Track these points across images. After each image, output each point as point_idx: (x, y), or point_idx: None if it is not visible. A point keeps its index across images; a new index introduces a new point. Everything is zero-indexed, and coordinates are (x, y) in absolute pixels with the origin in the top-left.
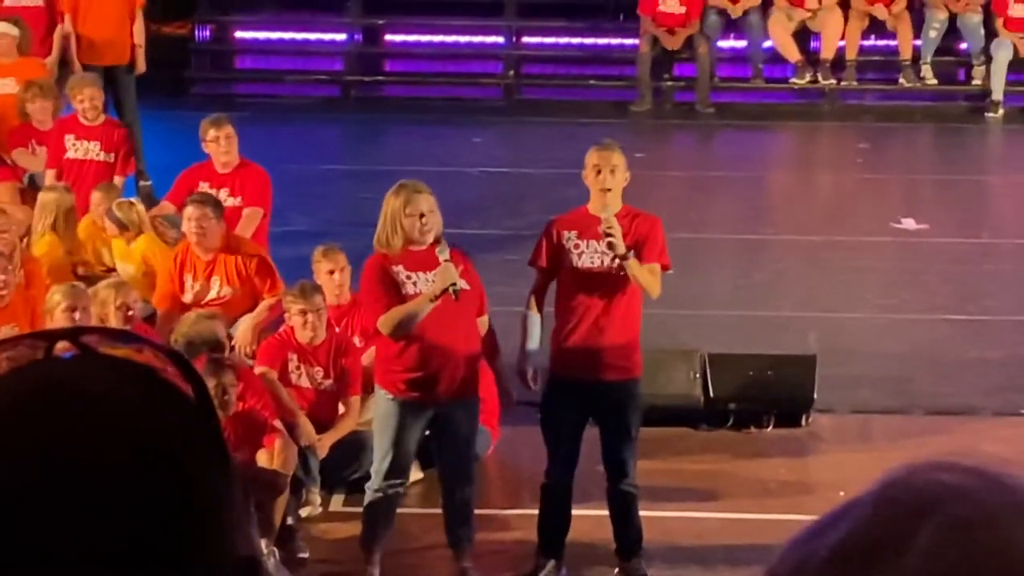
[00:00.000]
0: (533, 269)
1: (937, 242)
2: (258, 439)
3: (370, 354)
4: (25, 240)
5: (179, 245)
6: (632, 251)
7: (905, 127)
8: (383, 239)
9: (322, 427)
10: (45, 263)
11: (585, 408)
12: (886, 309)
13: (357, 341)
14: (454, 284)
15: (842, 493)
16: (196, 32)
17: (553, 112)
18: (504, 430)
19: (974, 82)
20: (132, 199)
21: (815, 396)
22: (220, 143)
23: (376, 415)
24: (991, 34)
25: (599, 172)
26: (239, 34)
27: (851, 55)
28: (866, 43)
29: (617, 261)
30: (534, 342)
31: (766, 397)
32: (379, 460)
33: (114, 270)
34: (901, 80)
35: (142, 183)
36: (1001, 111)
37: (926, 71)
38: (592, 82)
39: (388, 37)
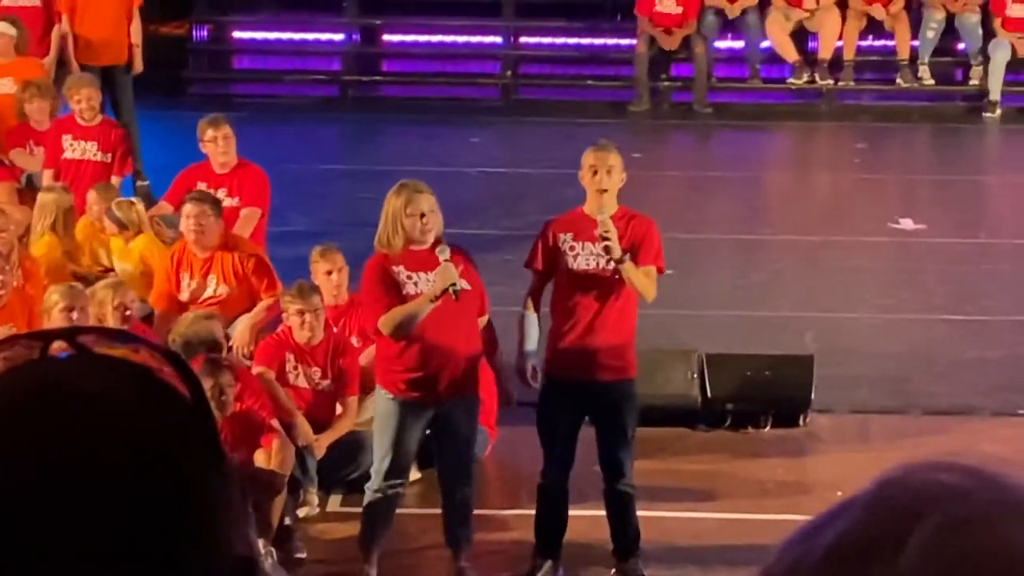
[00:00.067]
0: (529, 270)
1: (935, 242)
2: (256, 439)
3: (368, 354)
4: (23, 240)
5: (176, 244)
6: (628, 254)
7: (903, 127)
8: (384, 239)
9: (320, 427)
10: (44, 263)
11: (581, 409)
12: (884, 309)
13: (355, 341)
14: (454, 284)
15: (840, 493)
16: (194, 32)
17: (551, 112)
18: (502, 430)
19: (972, 82)
20: (132, 199)
21: (813, 396)
22: (218, 143)
23: (376, 415)
24: (989, 34)
25: (595, 173)
26: (237, 34)
27: (849, 55)
28: (863, 43)
29: (612, 264)
30: (532, 343)
31: (764, 397)
32: (379, 460)
33: (111, 270)
34: (899, 80)
35: (139, 183)
36: (999, 111)
37: (924, 71)
38: (590, 82)
39: (386, 37)
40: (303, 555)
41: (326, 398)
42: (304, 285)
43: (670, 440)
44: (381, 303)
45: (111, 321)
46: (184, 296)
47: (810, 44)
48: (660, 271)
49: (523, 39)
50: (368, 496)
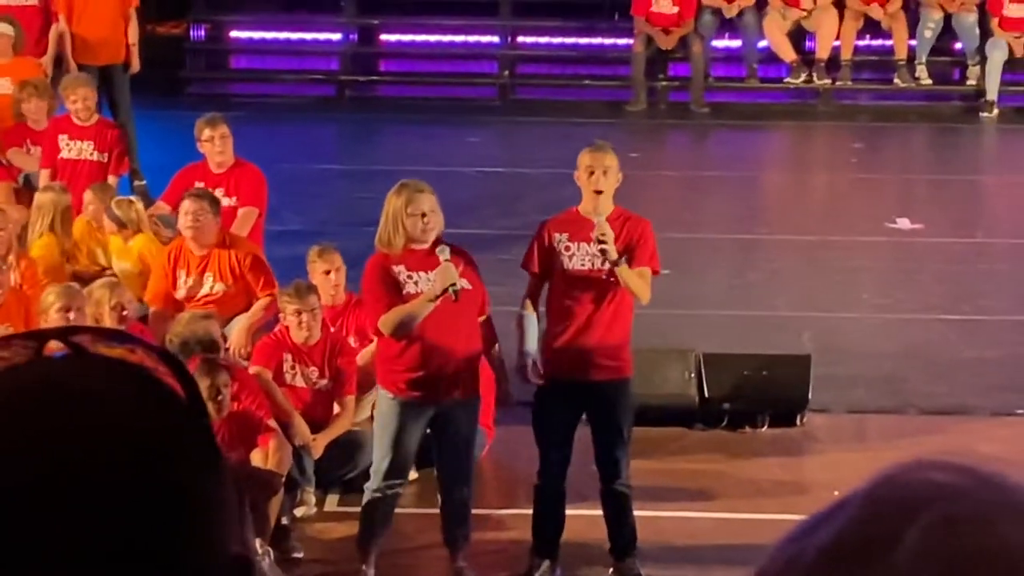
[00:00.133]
0: (526, 271)
1: (932, 242)
2: (253, 439)
3: (365, 354)
4: (20, 239)
5: (173, 242)
6: (624, 257)
7: (900, 127)
8: (384, 238)
9: (317, 427)
10: (42, 263)
11: (577, 408)
12: (881, 309)
13: (352, 341)
14: (454, 284)
15: (836, 493)
16: (191, 32)
17: (548, 112)
18: (499, 430)
19: (969, 82)
20: (132, 197)
21: (810, 396)
22: (215, 143)
23: (377, 414)
24: (986, 34)
25: (591, 173)
26: (234, 34)
27: (846, 55)
28: (861, 43)
29: (608, 265)
30: (532, 342)
31: (761, 397)
32: (379, 460)
33: (108, 269)
34: (896, 80)
35: (137, 183)
36: (996, 111)
37: (921, 71)
38: (587, 82)
39: (383, 37)
40: (300, 555)
41: (323, 398)
42: (301, 285)
43: (667, 440)
44: (382, 302)
45: (108, 321)
46: (180, 294)
47: (807, 44)
48: (655, 272)
49: (520, 39)
50: (367, 496)
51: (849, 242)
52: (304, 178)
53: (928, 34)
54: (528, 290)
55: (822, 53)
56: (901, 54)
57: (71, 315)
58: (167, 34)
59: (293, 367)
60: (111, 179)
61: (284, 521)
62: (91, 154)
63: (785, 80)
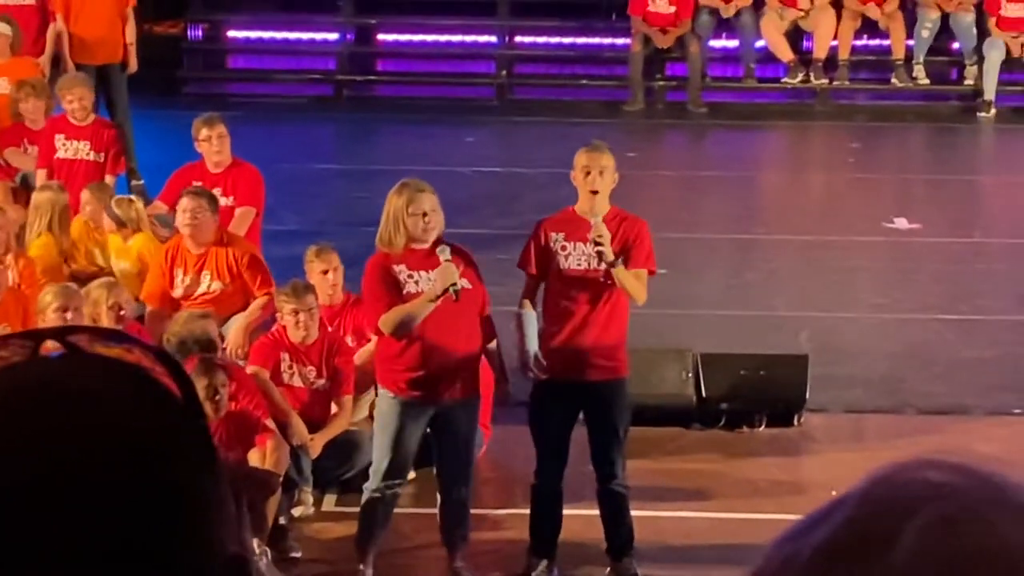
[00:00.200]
0: (522, 271)
1: (929, 242)
2: (251, 439)
3: (362, 353)
4: (18, 239)
5: (171, 240)
6: (620, 258)
7: (897, 127)
8: (385, 238)
9: (314, 427)
10: (41, 263)
11: (573, 408)
12: (878, 309)
13: (350, 340)
14: (454, 284)
15: (834, 493)
16: (188, 31)
17: (545, 112)
18: (496, 430)
19: (966, 82)
20: (131, 196)
21: (807, 396)
22: (212, 142)
23: (377, 414)
24: (983, 34)
25: (588, 173)
26: (231, 33)
27: (843, 55)
28: (858, 43)
29: (604, 265)
30: (533, 339)
31: (758, 397)
32: (379, 460)
33: (106, 269)
34: (893, 80)
35: (134, 182)
36: (993, 111)
37: (918, 71)
38: (584, 82)
39: (380, 36)
40: (298, 554)
41: (321, 397)
42: (298, 284)
43: (665, 440)
44: (382, 302)
45: (105, 321)
46: (178, 292)
47: (805, 44)
48: (651, 273)
49: (518, 39)
50: (366, 495)
51: (847, 242)
52: (301, 178)
53: (925, 34)
54: (525, 290)
55: (819, 53)
56: (898, 54)
57: (68, 315)
58: (164, 34)
59: (290, 367)
60: (108, 179)
61: (282, 521)
62: (87, 154)
63: (782, 80)
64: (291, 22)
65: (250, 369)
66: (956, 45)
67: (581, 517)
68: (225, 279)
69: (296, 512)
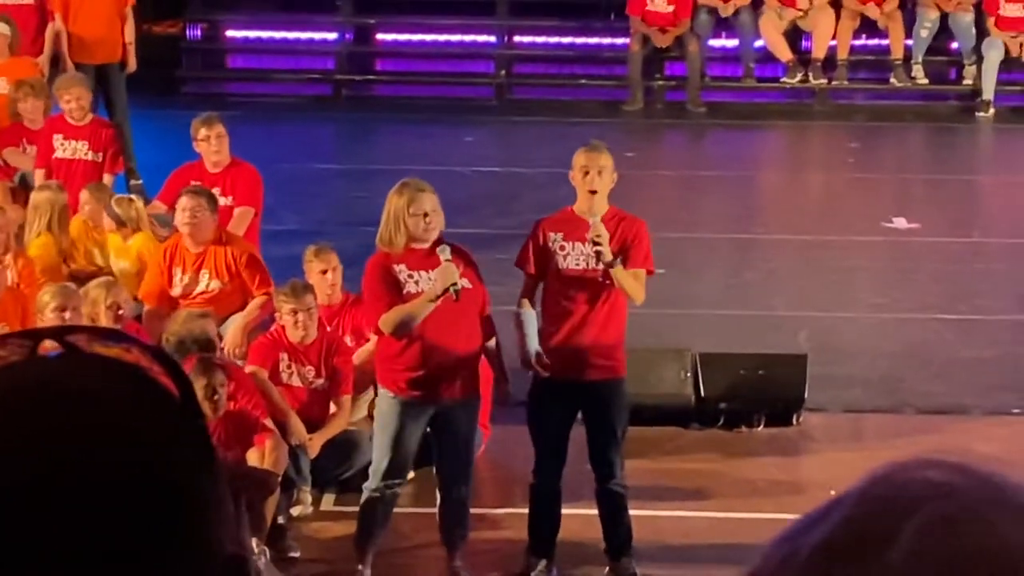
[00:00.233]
0: (521, 270)
1: (928, 241)
2: (249, 438)
3: (361, 353)
4: (17, 238)
5: (169, 239)
6: (619, 258)
7: (896, 126)
8: (386, 238)
9: (313, 426)
10: (40, 263)
11: (572, 408)
12: (877, 308)
13: (348, 340)
14: (454, 284)
15: (833, 492)
16: (187, 31)
17: (544, 111)
18: (495, 430)
19: (965, 82)
20: (131, 196)
21: (806, 395)
22: (211, 142)
23: (377, 414)
24: (982, 33)
25: (586, 173)
26: (230, 33)
27: (842, 54)
28: (857, 42)
29: (603, 265)
30: (533, 337)
31: (757, 396)
32: (379, 459)
33: (105, 269)
34: (892, 79)
35: (133, 182)
36: (992, 111)
37: (917, 71)
38: (583, 81)
39: (379, 36)
40: (296, 554)
41: (320, 397)
42: (297, 284)
43: (663, 439)
44: (382, 302)
45: (104, 320)
46: (176, 291)
47: (804, 43)
48: (649, 273)
49: (517, 38)
50: (366, 495)
51: (845, 242)
52: (300, 178)
53: (924, 34)
54: (523, 289)
55: (818, 53)
56: (897, 54)
57: (67, 315)
58: (163, 33)
59: (289, 366)
60: (106, 178)
61: (280, 520)
62: (85, 154)
63: (781, 80)
64: (290, 22)
65: (249, 369)
66: (955, 45)
67: (580, 516)
68: (224, 278)
69: (295, 511)
